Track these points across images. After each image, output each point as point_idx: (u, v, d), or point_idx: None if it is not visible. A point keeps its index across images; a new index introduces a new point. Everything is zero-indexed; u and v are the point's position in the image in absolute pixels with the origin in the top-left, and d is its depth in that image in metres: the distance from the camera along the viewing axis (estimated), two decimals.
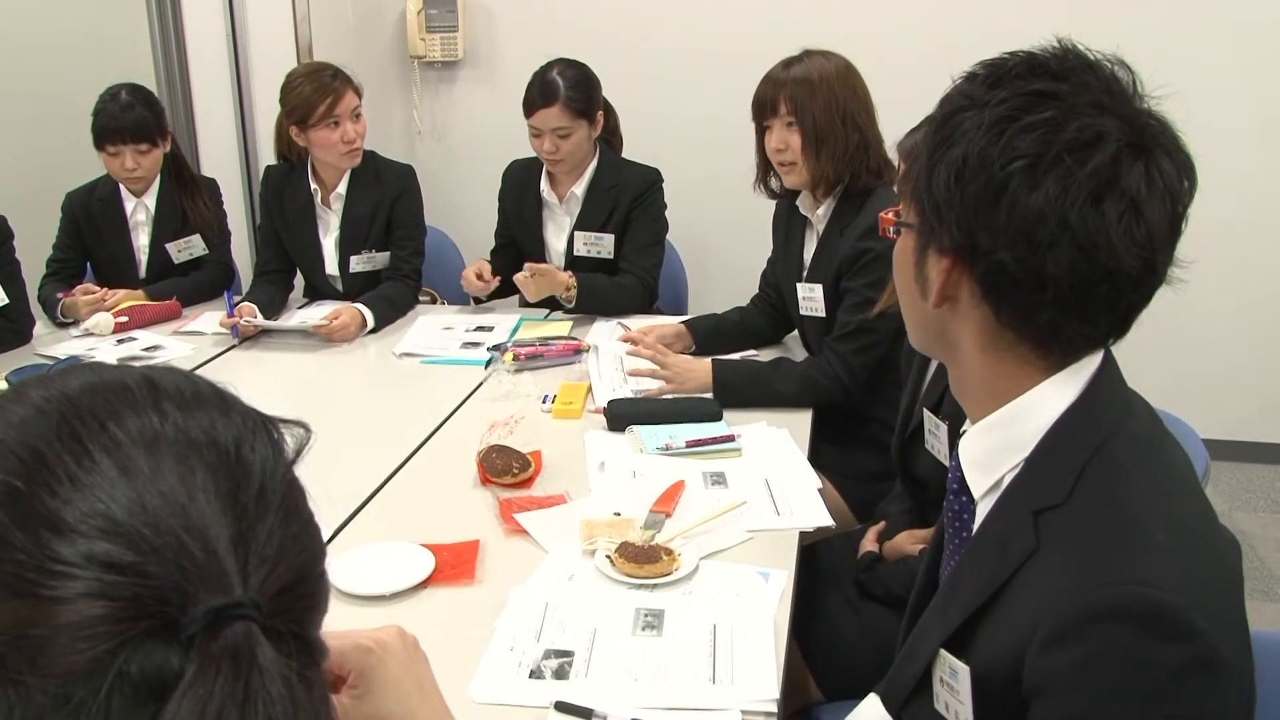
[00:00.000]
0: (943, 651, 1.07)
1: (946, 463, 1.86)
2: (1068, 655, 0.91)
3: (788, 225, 2.68)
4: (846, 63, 2.46)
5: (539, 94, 2.96)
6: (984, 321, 1.05)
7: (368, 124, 3.10)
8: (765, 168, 2.60)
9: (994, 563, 1.03)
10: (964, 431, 1.15)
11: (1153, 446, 1.05)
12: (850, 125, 2.40)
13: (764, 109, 2.48)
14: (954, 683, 1.05)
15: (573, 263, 3.18)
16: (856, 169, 2.42)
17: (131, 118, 3.08)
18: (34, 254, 3.16)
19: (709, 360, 2.47)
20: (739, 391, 2.40)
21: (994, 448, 1.09)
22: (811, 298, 2.53)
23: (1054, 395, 1.05)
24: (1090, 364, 1.06)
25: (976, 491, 1.12)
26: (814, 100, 2.39)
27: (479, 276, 3.08)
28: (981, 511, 1.12)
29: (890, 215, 1.18)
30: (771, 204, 2.76)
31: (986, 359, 1.07)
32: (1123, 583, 0.91)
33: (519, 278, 2.98)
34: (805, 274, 2.59)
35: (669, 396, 2.41)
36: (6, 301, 2.81)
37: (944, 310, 1.08)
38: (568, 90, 2.94)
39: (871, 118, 2.46)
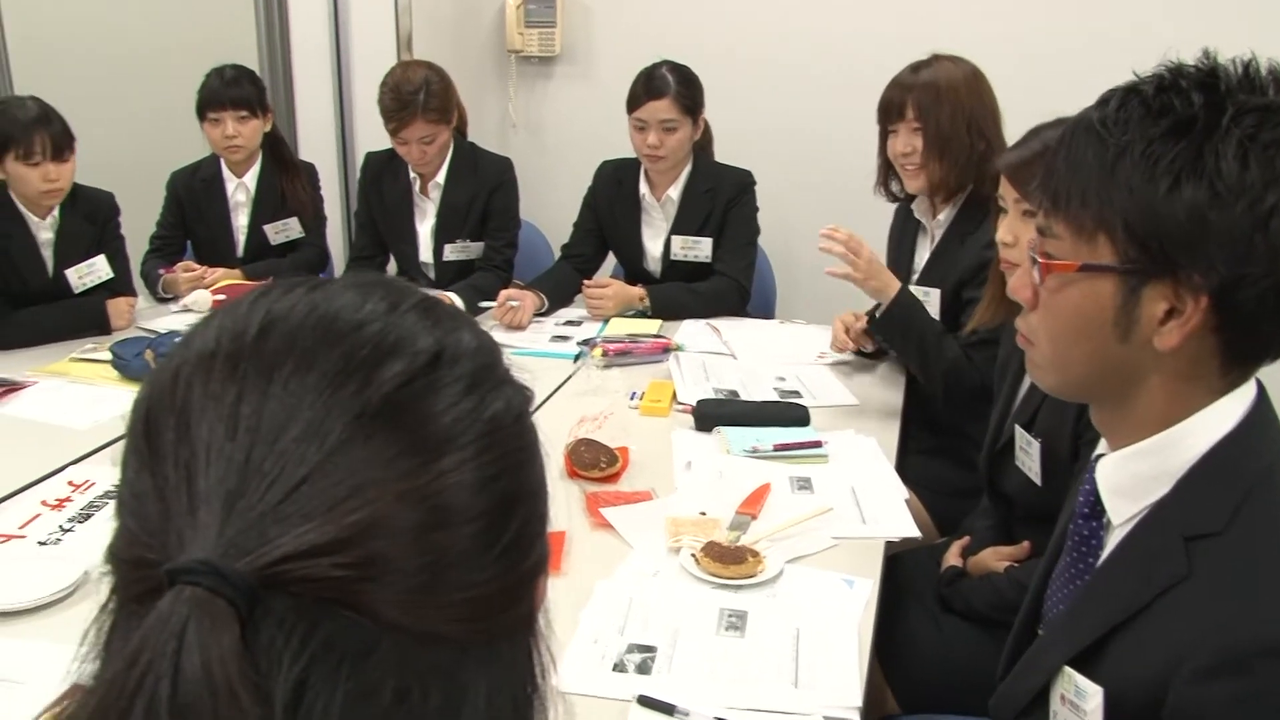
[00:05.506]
0: (1069, 669, 1.05)
1: (1037, 480, 1.83)
2: (1227, 687, 0.90)
3: (902, 230, 2.69)
4: (975, 69, 2.46)
5: (647, 88, 2.99)
6: (1200, 351, 1.00)
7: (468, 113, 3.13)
8: (886, 170, 2.61)
9: (1135, 584, 1.01)
10: (1100, 456, 1.13)
11: None
12: (975, 132, 2.40)
13: (890, 113, 2.49)
14: (1080, 702, 1.03)
15: (669, 267, 3.19)
16: (980, 176, 2.41)
17: (234, 87, 3.17)
18: (138, 231, 3.25)
19: (898, 282, 2.43)
20: (902, 326, 2.40)
21: (1144, 475, 1.05)
22: (926, 301, 2.51)
23: (1212, 423, 1.02)
24: (1248, 393, 1.03)
25: (1118, 519, 1.09)
26: (940, 106, 2.40)
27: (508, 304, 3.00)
28: (1115, 536, 1.10)
29: (1042, 260, 1.04)
30: (862, 206, 2.76)
31: (1171, 386, 1.02)
32: None
33: (589, 302, 3.05)
34: (916, 278, 2.58)
35: (757, 400, 2.40)
36: (112, 275, 2.90)
37: (1146, 348, 1.00)
38: (677, 86, 2.98)
39: (998, 126, 2.46)
